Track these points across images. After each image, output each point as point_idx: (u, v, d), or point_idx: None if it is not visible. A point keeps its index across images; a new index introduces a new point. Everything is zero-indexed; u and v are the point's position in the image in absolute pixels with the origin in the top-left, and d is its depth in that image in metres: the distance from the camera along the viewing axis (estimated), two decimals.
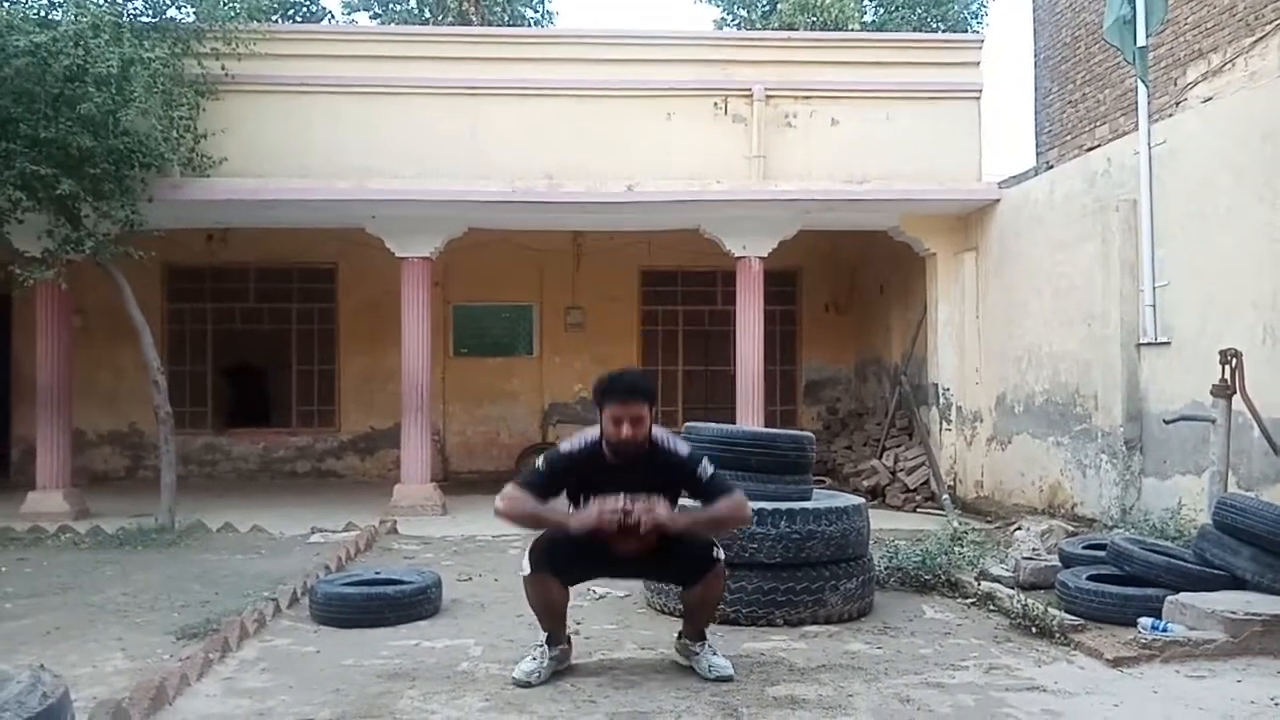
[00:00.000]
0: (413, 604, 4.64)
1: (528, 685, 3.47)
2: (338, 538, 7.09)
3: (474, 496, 9.94)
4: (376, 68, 8.93)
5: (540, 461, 3.57)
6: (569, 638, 3.72)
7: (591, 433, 3.58)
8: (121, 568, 5.98)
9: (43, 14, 7.71)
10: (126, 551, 6.57)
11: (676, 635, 3.78)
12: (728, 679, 3.55)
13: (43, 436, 8.67)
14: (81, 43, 7.07)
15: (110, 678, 3.69)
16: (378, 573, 5.14)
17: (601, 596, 5.06)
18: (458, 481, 11.33)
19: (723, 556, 3.61)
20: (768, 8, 17.86)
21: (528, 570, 3.54)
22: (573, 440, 3.62)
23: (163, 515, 7.44)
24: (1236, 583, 4.37)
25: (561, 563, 3.51)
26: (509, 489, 3.52)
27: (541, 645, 3.61)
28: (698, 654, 3.62)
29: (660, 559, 3.53)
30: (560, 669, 3.64)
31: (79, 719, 2.69)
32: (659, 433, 3.58)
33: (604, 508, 3.32)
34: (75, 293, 9.00)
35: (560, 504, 3.57)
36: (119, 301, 7.93)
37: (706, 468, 3.53)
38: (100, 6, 7.45)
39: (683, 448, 3.61)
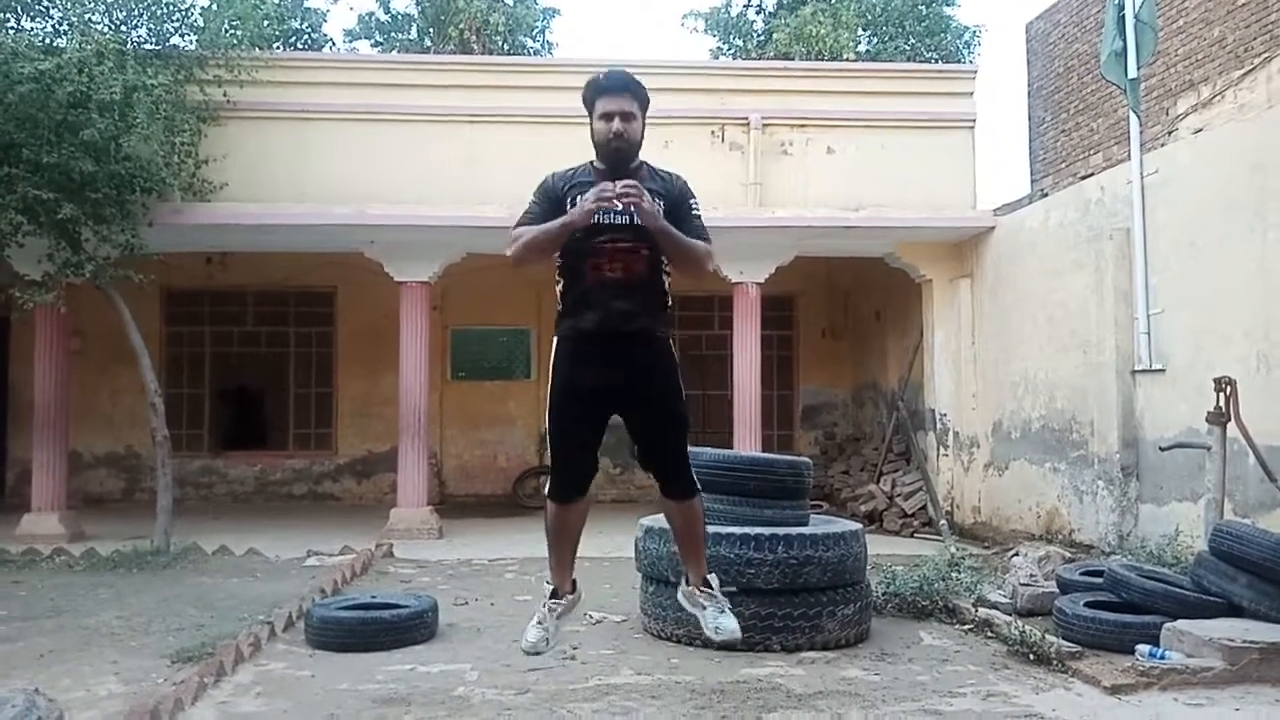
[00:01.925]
0: (408, 628, 4.62)
1: (537, 653, 3.31)
2: (334, 561, 7.06)
3: (471, 520, 9.92)
4: (376, 95, 9.02)
5: (532, 194, 3.38)
6: (574, 582, 3.40)
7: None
8: (116, 590, 5.96)
9: (48, 41, 7.80)
10: (121, 574, 6.55)
11: (683, 580, 3.45)
12: (733, 643, 3.33)
13: (39, 458, 8.66)
14: (85, 69, 7.14)
15: (104, 701, 3.67)
16: (374, 597, 5.13)
17: (599, 621, 5.05)
18: (454, 505, 11.29)
19: (700, 490, 3.40)
20: (763, 38, 18.06)
21: (547, 491, 3.31)
22: (561, 167, 3.43)
23: (158, 538, 7.41)
24: (1234, 610, 4.38)
25: (560, 405, 3.27)
26: (512, 233, 3.32)
27: (546, 601, 3.35)
28: (705, 607, 3.32)
29: (654, 401, 3.29)
30: (568, 621, 3.42)
31: None
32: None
33: (600, 188, 3.12)
34: (74, 315, 9.02)
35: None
36: (118, 324, 7.95)
37: (697, 204, 3.34)
38: (104, 34, 7.54)
39: (679, 175, 3.41)
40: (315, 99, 8.90)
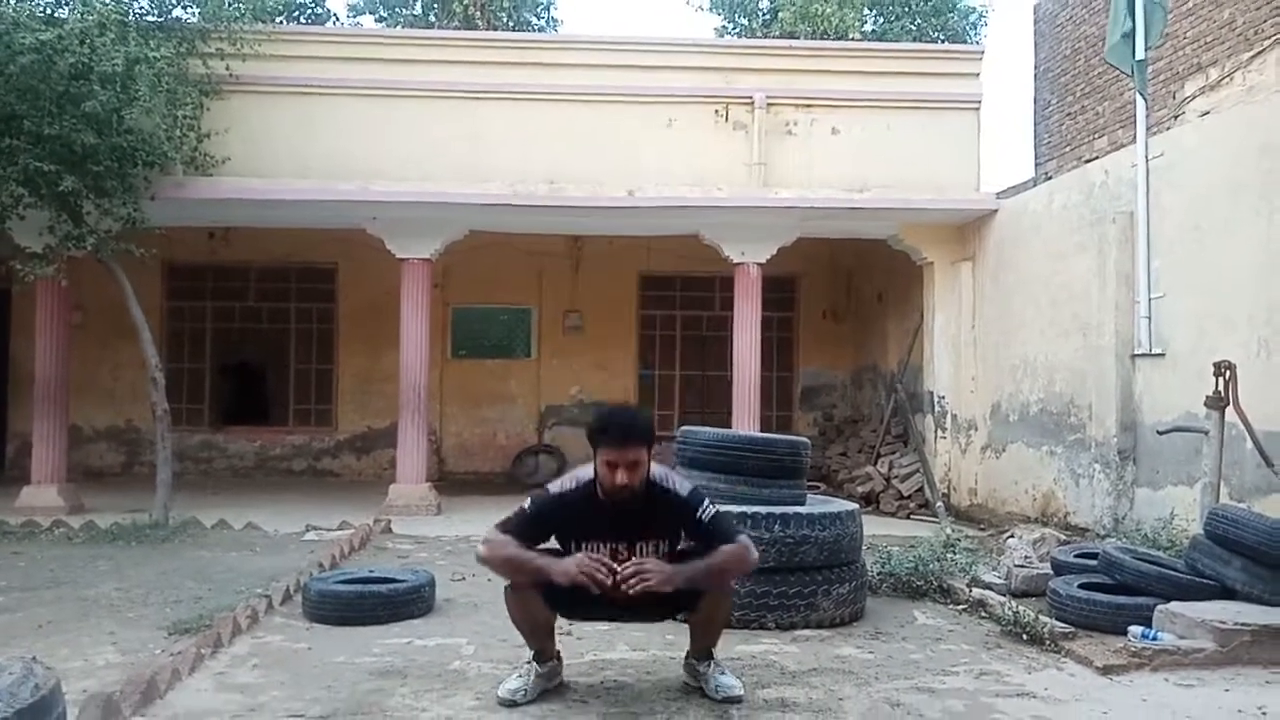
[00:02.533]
0: (406, 602, 4.65)
1: (513, 704, 3.30)
2: (332, 536, 7.09)
3: (469, 497, 9.95)
4: (380, 70, 8.96)
5: (527, 504, 3.31)
6: (558, 653, 3.51)
7: (584, 472, 3.33)
8: (115, 563, 5.99)
9: (49, 11, 7.74)
10: (120, 547, 6.58)
11: (684, 656, 3.57)
12: (737, 700, 3.35)
13: (39, 431, 8.68)
14: (87, 41, 7.10)
15: (101, 671, 3.70)
16: (371, 571, 5.16)
17: None
18: (453, 482, 11.33)
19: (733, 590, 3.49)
20: (768, 17, 17.92)
21: (508, 585, 3.35)
22: (564, 480, 3.38)
23: (157, 511, 7.44)
24: (1227, 593, 4.40)
25: (550, 595, 3.27)
26: (491, 533, 3.27)
27: (529, 662, 3.43)
28: (705, 674, 3.43)
29: (660, 598, 3.25)
30: (549, 687, 3.45)
31: (70, 712, 2.70)
32: (658, 470, 3.31)
33: (586, 564, 3.08)
34: (75, 289, 9.02)
35: (551, 547, 3.36)
36: (119, 298, 7.95)
37: (708, 510, 3.25)
38: (106, 5, 7.48)
39: (683, 487, 3.32)
40: (319, 74, 8.85)
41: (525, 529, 3.26)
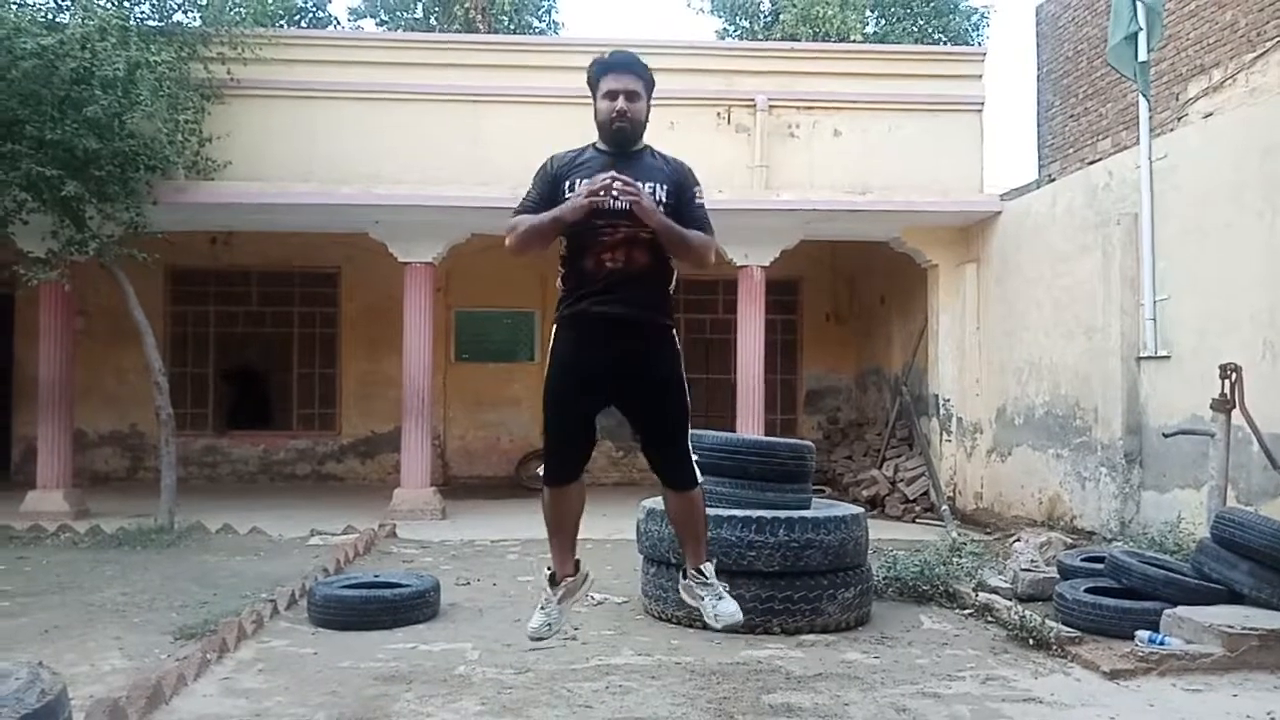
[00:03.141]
0: (410, 607, 4.64)
1: (541, 639, 3.27)
2: (337, 540, 7.09)
3: (473, 501, 9.95)
4: (381, 74, 8.96)
5: (532, 178, 3.29)
6: (577, 563, 3.34)
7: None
8: (120, 568, 5.99)
9: (50, 17, 7.75)
10: (125, 552, 6.58)
11: (680, 574, 3.43)
12: (736, 628, 3.27)
13: (44, 436, 8.69)
14: (88, 46, 7.10)
15: (108, 676, 3.70)
16: (376, 576, 5.15)
17: (600, 602, 5.06)
18: (457, 486, 11.32)
19: (701, 480, 3.33)
20: (770, 19, 17.92)
21: (542, 475, 3.26)
22: (565, 148, 3.34)
23: (162, 516, 7.44)
24: (1234, 597, 4.38)
25: (557, 389, 3.24)
26: (512, 220, 3.24)
27: (546, 590, 3.31)
28: (703, 597, 3.28)
29: (654, 391, 3.24)
30: (574, 604, 3.37)
31: (76, 717, 2.70)
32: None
33: (593, 180, 3.05)
34: (78, 294, 9.02)
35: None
36: (122, 303, 7.95)
37: (700, 192, 3.24)
38: (107, 10, 7.50)
39: (685, 162, 3.31)
40: (320, 77, 8.85)
41: (533, 192, 3.24)
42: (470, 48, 9.64)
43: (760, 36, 17.64)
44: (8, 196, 7.12)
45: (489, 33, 16.09)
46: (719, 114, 9.06)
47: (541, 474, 3.28)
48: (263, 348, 12.15)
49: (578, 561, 3.37)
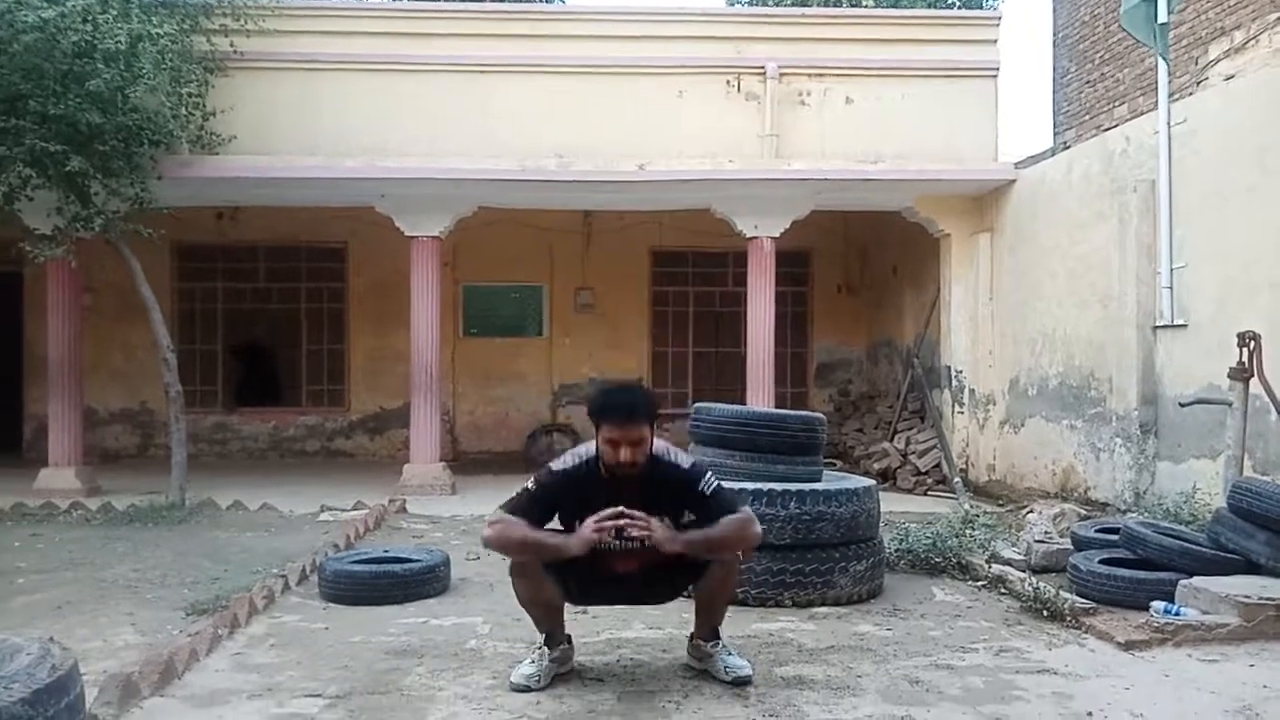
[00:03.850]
0: (421, 582, 4.64)
1: (527, 690, 3.25)
2: (347, 516, 7.10)
3: (483, 476, 9.96)
4: (386, 44, 8.87)
5: (530, 483, 3.28)
6: (569, 637, 3.46)
7: (586, 448, 3.30)
8: (132, 544, 6.01)
9: None
10: (137, 528, 6.61)
11: (688, 638, 3.54)
12: (746, 681, 3.31)
13: (54, 413, 8.72)
14: (90, 18, 7.03)
15: (120, 652, 3.71)
16: (386, 551, 5.15)
17: None
18: (467, 461, 11.34)
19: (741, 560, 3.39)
20: None
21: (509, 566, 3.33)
22: (565, 458, 3.34)
23: (173, 493, 7.47)
24: (1251, 567, 4.33)
25: (559, 575, 3.27)
26: (496, 514, 3.24)
27: (540, 647, 3.38)
28: (712, 655, 3.38)
29: (666, 571, 3.28)
30: (562, 672, 3.39)
31: (89, 692, 2.70)
32: (659, 445, 3.28)
33: (599, 520, 3.08)
34: (85, 271, 9.01)
35: (554, 528, 3.33)
36: (129, 280, 7.94)
37: (710, 482, 3.23)
38: None
39: (684, 460, 3.31)
40: (324, 48, 8.76)
41: (530, 508, 3.23)
42: (476, 17, 9.49)
43: (770, 2, 17.37)
44: (13, 173, 7.09)
45: (496, 1, 15.90)
46: (728, 82, 8.94)
47: (510, 565, 3.30)
48: (271, 324, 12.15)
49: (569, 636, 3.45)
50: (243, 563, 5.39)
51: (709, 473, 3.30)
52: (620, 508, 3.09)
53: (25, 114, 6.99)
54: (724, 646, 3.42)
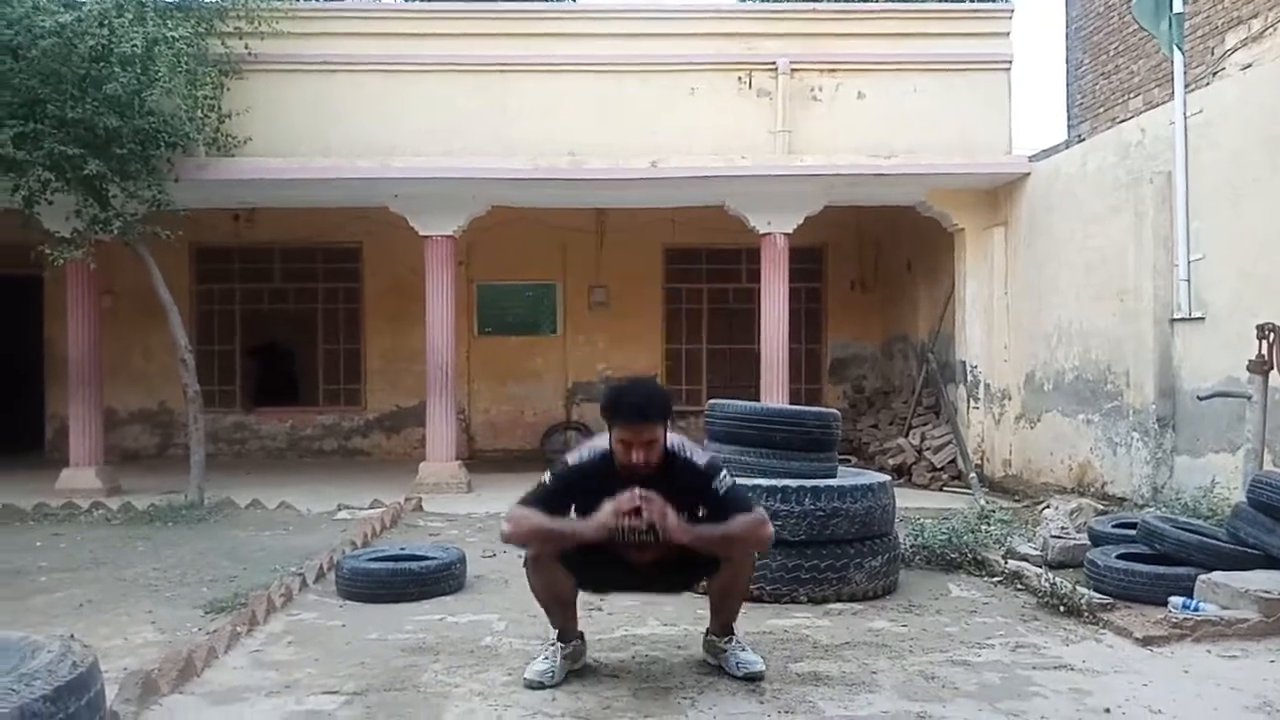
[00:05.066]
0: (437, 579, 4.66)
1: (541, 687, 3.24)
2: (364, 514, 7.15)
3: (499, 475, 9.99)
4: (399, 45, 8.90)
5: (546, 476, 3.28)
6: (581, 634, 3.46)
7: (601, 442, 3.28)
8: (152, 543, 6.08)
9: None
10: (157, 527, 6.68)
11: (704, 633, 3.55)
12: (758, 676, 3.30)
13: (75, 414, 8.82)
14: (106, 22, 7.10)
15: (140, 650, 3.75)
16: (403, 549, 5.18)
17: None
18: (482, 460, 11.38)
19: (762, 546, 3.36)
20: None
21: (527, 554, 3.31)
22: (580, 451, 3.34)
23: (192, 492, 7.54)
24: (1271, 562, 4.29)
25: (573, 565, 3.27)
26: (514, 510, 3.23)
27: (553, 643, 3.37)
28: (725, 651, 3.39)
29: (681, 564, 3.28)
30: (575, 668, 3.39)
31: (110, 689, 2.73)
32: (675, 440, 3.27)
33: (618, 504, 3.06)
34: (105, 273, 9.10)
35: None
36: (147, 281, 8.01)
37: (725, 479, 3.22)
38: None
39: (700, 457, 3.29)
40: (338, 50, 8.81)
41: (547, 501, 3.23)
42: (488, 16, 9.52)
43: None
44: (32, 176, 7.17)
45: (508, 1, 15.93)
46: (740, 78, 8.92)
47: (525, 556, 3.30)
48: (287, 324, 12.24)
49: (581, 634, 3.44)
50: (261, 561, 5.44)
51: (724, 471, 3.28)
52: (637, 490, 3.05)
53: (44, 118, 7.07)
54: (737, 642, 3.42)
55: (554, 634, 3.42)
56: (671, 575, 3.38)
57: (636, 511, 3.05)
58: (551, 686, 3.27)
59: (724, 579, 3.35)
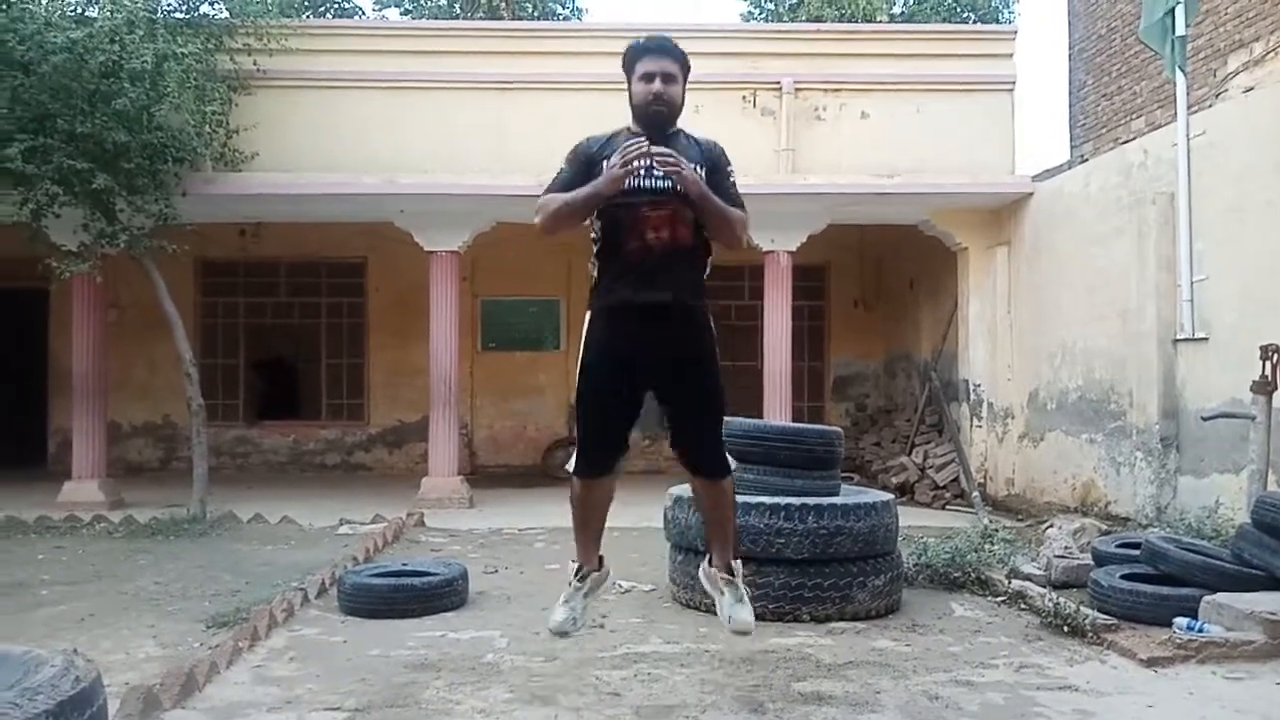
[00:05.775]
0: (439, 595, 4.66)
1: (564, 634, 3.21)
2: (366, 530, 7.14)
3: (501, 490, 9.98)
4: (405, 63, 8.97)
5: (563, 162, 3.23)
6: (601, 558, 3.32)
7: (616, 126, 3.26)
8: (154, 557, 6.07)
9: (79, 11, 7.83)
10: (159, 541, 6.67)
11: (706, 559, 3.38)
12: (745, 633, 3.20)
13: (79, 427, 8.83)
14: (117, 39, 7.17)
15: (142, 664, 3.75)
16: (405, 564, 5.18)
17: (628, 590, 5.05)
18: (485, 475, 11.37)
19: (733, 469, 3.31)
20: (795, 2, 17.73)
21: (572, 467, 3.20)
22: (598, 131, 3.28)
23: (195, 506, 7.54)
24: (1276, 583, 4.27)
25: (595, 378, 3.17)
26: (540, 200, 3.19)
27: (571, 584, 3.27)
28: (723, 593, 3.24)
29: (694, 371, 3.20)
30: (595, 598, 3.34)
31: (112, 704, 2.73)
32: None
33: (624, 151, 2.97)
34: (110, 286, 9.13)
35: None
36: (153, 295, 8.04)
37: (733, 171, 3.23)
38: (135, 3, 7.55)
39: (714, 140, 3.29)
40: (345, 67, 8.88)
41: (570, 180, 3.15)
42: (493, 35, 9.61)
43: (785, 18, 17.45)
44: (40, 190, 7.21)
45: (513, 20, 16.06)
46: (744, 98, 8.98)
47: (572, 466, 3.22)
48: (291, 338, 12.27)
49: (601, 557, 3.33)
50: (263, 575, 5.43)
51: (733, 165, 3.26)
52: (645, 141, 2.99)
53: (53, 133, 7.12)
54: (737, 589, 3.23)
55: (573, 573, 3.28)
56: (676, 268, 3.17)
57: (648, 169, 2.98)
58: (574, 633, 3.23)
59: (710, 504, 3.27)
